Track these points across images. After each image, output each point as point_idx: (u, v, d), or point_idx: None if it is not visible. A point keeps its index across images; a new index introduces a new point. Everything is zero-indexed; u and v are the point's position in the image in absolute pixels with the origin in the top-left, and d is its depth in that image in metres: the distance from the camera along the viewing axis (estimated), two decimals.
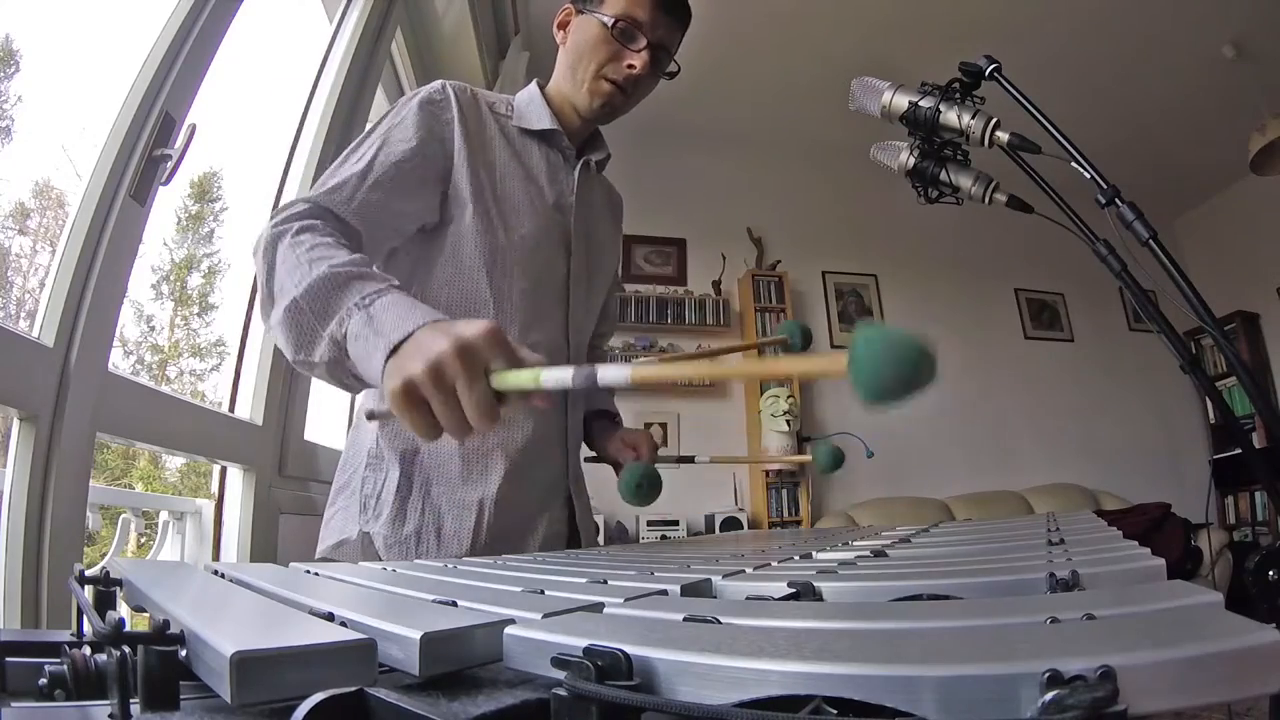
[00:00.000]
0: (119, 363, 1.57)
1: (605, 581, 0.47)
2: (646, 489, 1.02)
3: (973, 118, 1.04)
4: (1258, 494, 4.38)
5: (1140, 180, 3.33)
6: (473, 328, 0.57)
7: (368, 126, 0.98)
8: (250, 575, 0.49)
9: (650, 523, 3.81)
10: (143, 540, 1.41)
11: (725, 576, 0.47)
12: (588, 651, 0.25)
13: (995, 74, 1.05)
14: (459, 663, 0.30)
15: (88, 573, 0.45)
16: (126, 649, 0.26)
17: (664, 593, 0.43)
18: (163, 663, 0.26)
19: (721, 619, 0.31)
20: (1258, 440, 2.33)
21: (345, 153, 0.95)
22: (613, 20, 1.00)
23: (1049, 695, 0.19)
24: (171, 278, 2.32)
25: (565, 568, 0.60)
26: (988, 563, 0.49)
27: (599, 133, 1.14)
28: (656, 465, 1.11)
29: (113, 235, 1.11)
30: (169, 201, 2.05)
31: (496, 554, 0.84)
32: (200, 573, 0.53)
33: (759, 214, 4.71)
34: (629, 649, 0.25)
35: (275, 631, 0.32)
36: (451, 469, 0.96)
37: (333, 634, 0.30)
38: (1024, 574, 0.40)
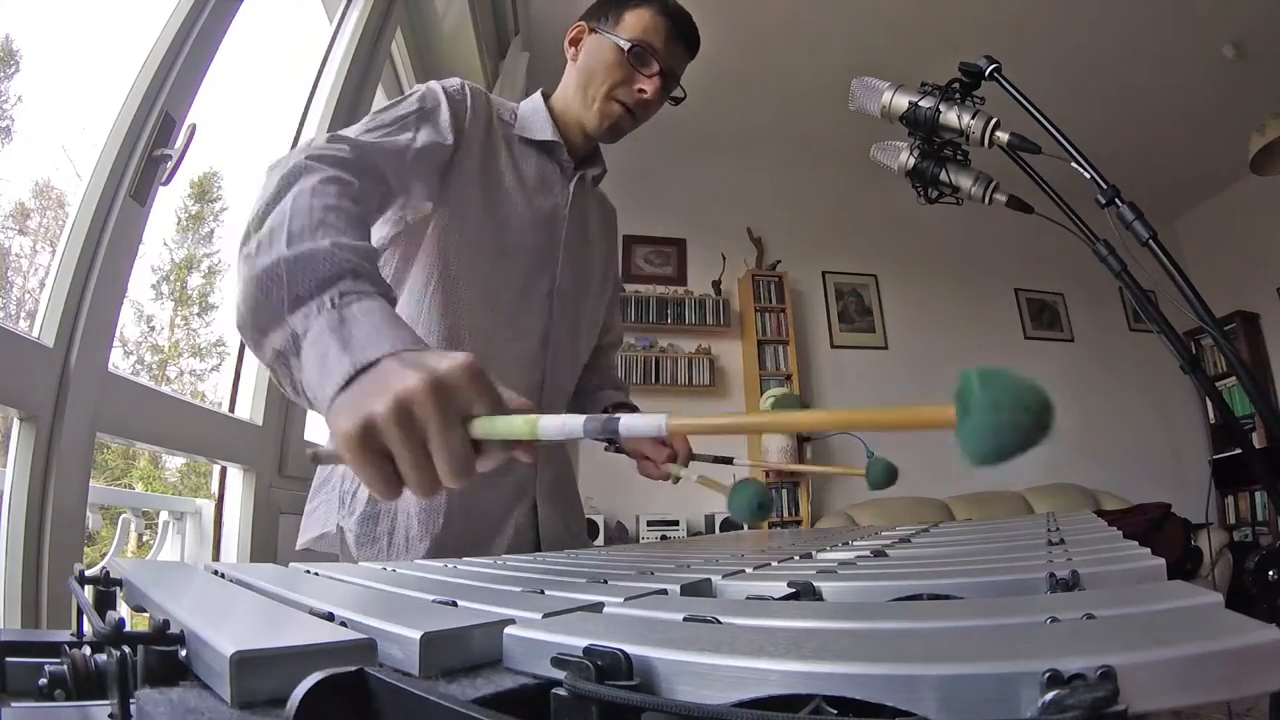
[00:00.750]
0: (119, 363, 1.57)
1: (605, 581, 0.47)
2: (768, 508, 1.01)
3: (973, 118, 1.04)
4: (1258, 494, 4.38)
5: (1140, 180, 3.33)
6: (449, 361, 0.46)
7: (401, 99, 0.96)
8: (250, 575, 0.49)
9: (650, 523, 3.81)
10: (144, 540, 1.41)
11: (725, 576, 0.47)
12: (588, 651, 0.25)
13: (995, 74, 1.05)
14: (459, 662, 0.30)
15: (88, 573, 0.45)
16: (126, 649, 0.26)
17: (664, 592, 0.42)
18: (163, 663, 0.26)
19: (721, 619, 0.31)
20: (1258, 440, 2.33)
21: (379, 117, 0.91)
22: (629, 44, 1.01)
23: (1049, 695, 0.19)
24: (171, 278, 2.33)
25: (565, 568, 0.60)
26: (988, 563, 0.49)
27: (598, 148, 1.14)
28: (692, 460, 1.12)
29: (113, 235, 1.11)
30: (169, 201, 2.06)
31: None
32: (200, 573, 0.53)
33: (759, 214, 4.71)
34: (629, 649, 0.25)
35: (275, 631, 0.32)
36: None
37: (333, 634, 0.30)
38: (1024, 574, 0.40)
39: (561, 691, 0.23)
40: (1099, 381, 4.92)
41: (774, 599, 0.40)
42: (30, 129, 1.49)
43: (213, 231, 2.33)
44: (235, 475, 1.50)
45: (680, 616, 0.32)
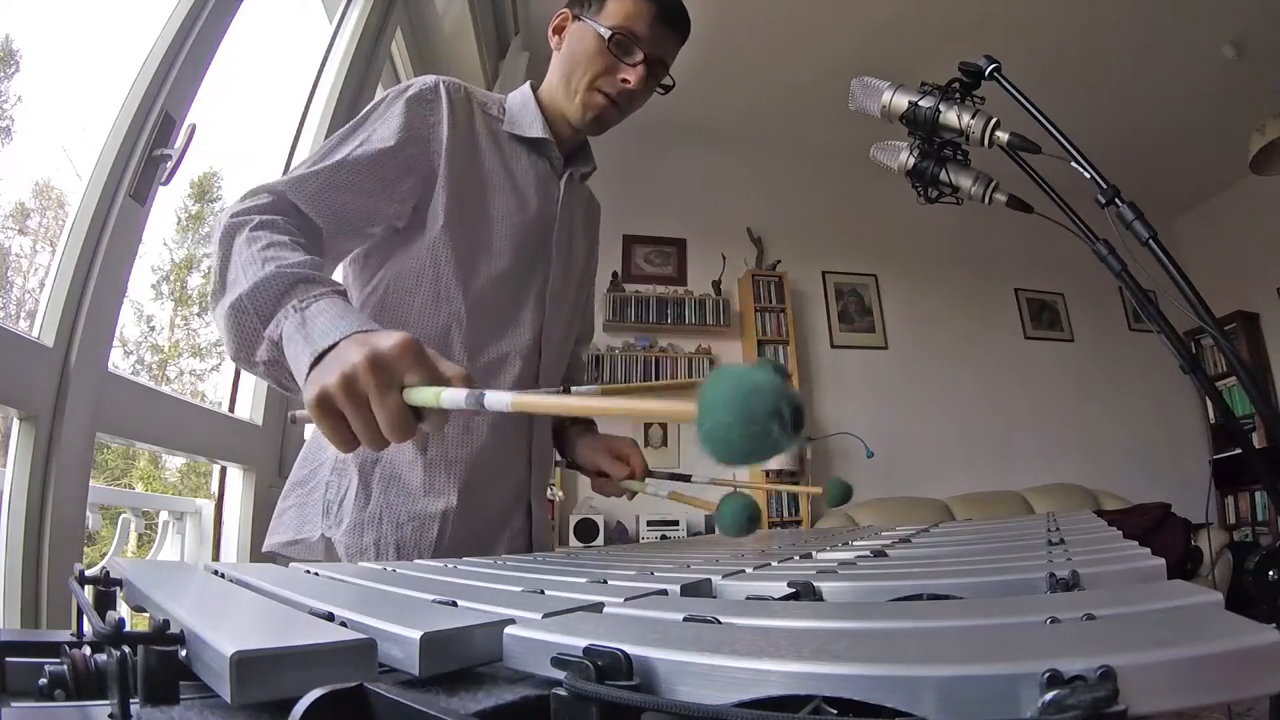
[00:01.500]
0: (119, 363, 1.57)
1: (605, 581, 0.47)
2: (757, 522, 0.98)
3: (973, 118, 1.04)
4: (1258, 494, 4.38)
5: (1140, 180, 3.33)
6: (388, 340, 0.57)
7: (364, 110, 0.96)
8: (250, 575, 0.49)
9: (650, 523, 3.81)
10: (144, 540, 1.41)
11: (725, 576, 0.47)
12: (588, 651, 0.25)
13: (995, 74, 1.05)
14: (459, 662, 0.30)
15: (88, 573, 0.45)
16: (126, 649, 0.26)
17: (664, 593, 0.42)
18: (163, 663, 0.26)
19: (721, 619, 0.31)
20: (1258, 440, 2.33)
21: (327, 142, 0.93)
22: (610, 32, 0.97)
23: (1049, 695, 0.19)
24: (171, 278, 2.33)
25: (565, 568, 0.60)
26: (988, 563, 0.49)
27: (588, 143, 1.12)
28: (649, 476, 1.09)
29: (113, 235, 1.11)
30: (169, 201, 2.06)
31: None
32: (200, 573, 0.53)
33: (759, 214, 4.70)
34: (629, 649, 0.25)
35: (275, 631, 0.32)
36: (412, 480, 0.93)
37: (333, 634, 0.30)
38: (1024, 574, 0.40)
39: (561, 692, 0.23)
40: (1099, 381, 4.92)
41: (774, 599, 0.40)
42: (30, 129, 1.49)
43: (212, 231, 2.32)
44: (235, 475, 1.50)
45: (680, 617, 0.32)
